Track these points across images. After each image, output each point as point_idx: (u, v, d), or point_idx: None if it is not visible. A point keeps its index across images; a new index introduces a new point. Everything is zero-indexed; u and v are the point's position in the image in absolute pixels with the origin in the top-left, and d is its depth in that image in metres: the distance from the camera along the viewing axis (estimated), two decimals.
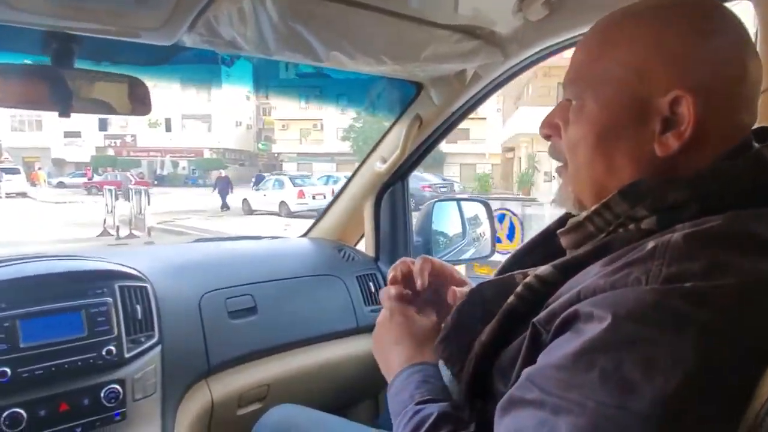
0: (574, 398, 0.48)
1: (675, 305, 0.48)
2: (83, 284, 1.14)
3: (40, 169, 28.47)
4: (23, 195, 24.16)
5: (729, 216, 0.54)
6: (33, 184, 26.38)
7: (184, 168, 38.96)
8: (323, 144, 37.83)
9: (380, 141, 1.68)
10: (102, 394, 1.09)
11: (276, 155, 40.91)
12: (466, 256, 1.94)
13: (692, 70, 0.59)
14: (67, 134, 35.43)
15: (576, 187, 0.66)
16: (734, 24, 0.61)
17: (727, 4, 1.02)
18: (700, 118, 0.57)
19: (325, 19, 1.01)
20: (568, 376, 0.50)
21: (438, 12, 1.15)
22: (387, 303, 0.85)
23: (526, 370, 0.55)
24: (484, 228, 1.94)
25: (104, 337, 1.12)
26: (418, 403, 0.68)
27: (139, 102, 1.07)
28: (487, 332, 0.65)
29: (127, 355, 1.14)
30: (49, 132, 34.25)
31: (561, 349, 0.52)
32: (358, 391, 1.71)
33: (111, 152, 37.54)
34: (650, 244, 0.53)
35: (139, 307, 1.18)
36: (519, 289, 0.63)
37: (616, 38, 0.63)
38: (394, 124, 1.62)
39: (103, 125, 36.27)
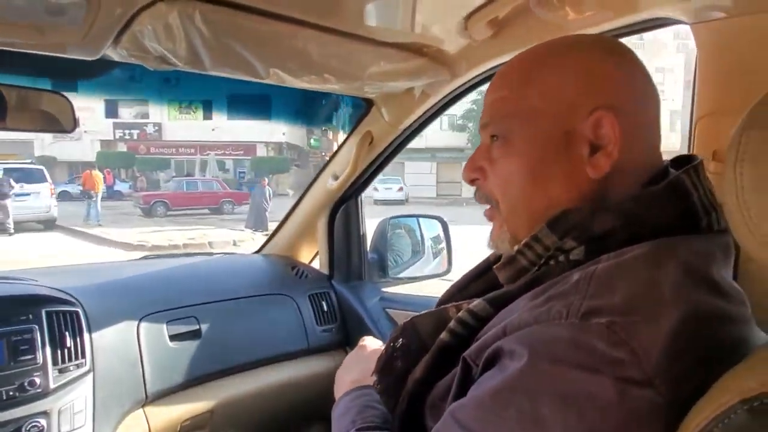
0: None
1: (590, 343, 0.46)
2: (6, 310, 1.08)
3: (95, 170, 15.87)
4: (51, 225, 13.11)
5: (653, 244, 0.53)
6: (89, 196, 14.78)
7: (228, 170, 27.50)
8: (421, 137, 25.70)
9: (332, 157, 1.64)
10: (24, 429, 1.03)
11: (323, 154, 28.22)
12: (423, 273, 1.91)
13: (610, 91, 0.60)
14: None
15: (511, 224, 0.65)
16: (639, 61, 0.64)
17: (666, 29, 1.04)
18: (623, 137, 0.58)
19: (261, 36, 0.97)
20: (487, 413, 0.50)
21: (383, 30, 1.13)
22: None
23: (451, 406, 0.54)
24: (443, 245, 1.91)
25: (27, 367, 1.06)
26: (359, 430, 0.68)
27: (65, 118, 1.02)
28: (420, 368, 0.64)
29: (52, 386, 1.07)
30: None
31: (484, 385, 0.52)
32: (308, 414, 1.65)
33: (123, 147, 26.35)
34: (575, 276, 0.52)
35: (68, 334, 1.12)
36: (452, 324, 0.63)
37: (535, 73, 0.63)
38: (345, 140, 1.59)
39: (112, 110, 24.31)
